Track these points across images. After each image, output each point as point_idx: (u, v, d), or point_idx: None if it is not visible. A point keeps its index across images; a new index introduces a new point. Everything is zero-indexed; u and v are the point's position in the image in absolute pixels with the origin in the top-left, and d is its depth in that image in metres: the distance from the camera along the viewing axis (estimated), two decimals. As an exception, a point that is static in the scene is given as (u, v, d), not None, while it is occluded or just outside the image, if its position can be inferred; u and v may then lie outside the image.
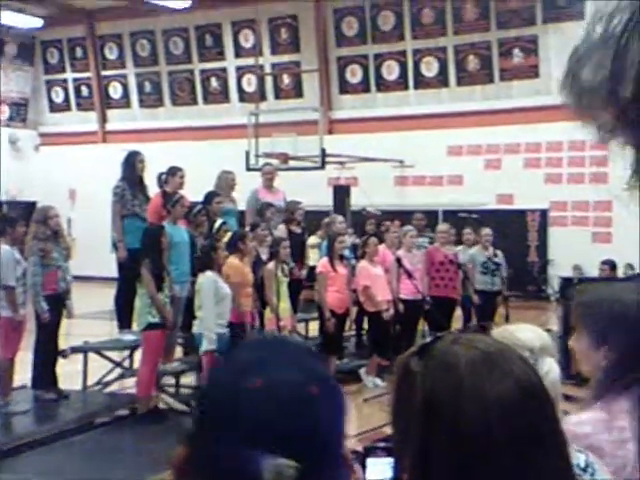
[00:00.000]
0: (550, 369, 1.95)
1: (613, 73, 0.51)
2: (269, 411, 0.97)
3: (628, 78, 0.47)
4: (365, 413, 8.34)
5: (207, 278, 7.50)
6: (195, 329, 7.61)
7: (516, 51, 17.30)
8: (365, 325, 10.36)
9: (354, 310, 9.99)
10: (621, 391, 1.93)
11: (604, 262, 11.60)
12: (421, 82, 18.33)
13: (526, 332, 2.01)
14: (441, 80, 18.13)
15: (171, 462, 1.01)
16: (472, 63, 17.80)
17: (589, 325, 2.02)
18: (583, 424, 1.93)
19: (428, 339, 1.14)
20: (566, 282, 10.29)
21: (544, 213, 16.84)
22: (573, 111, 0.54)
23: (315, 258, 10.56)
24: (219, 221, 9.08)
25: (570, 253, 15.79)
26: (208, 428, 1.00)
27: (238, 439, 0.97)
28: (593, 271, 12.63)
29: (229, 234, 8.60)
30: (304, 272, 10.18)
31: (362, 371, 9.53)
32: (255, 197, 10.20)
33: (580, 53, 0.53)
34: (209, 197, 9.30)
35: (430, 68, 18.25)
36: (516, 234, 16.10)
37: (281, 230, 9.84)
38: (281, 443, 0.95)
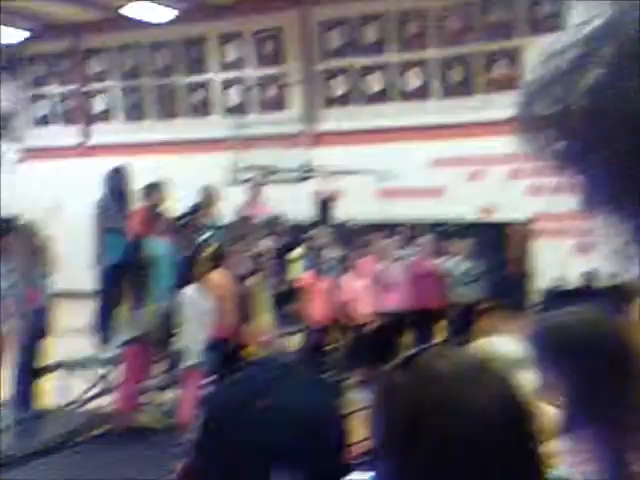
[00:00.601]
0: (527, 381, 1.96)
1: (565, 105, 0.53)
2: (278, 429, 1.00)
3: (578, 109, 0.49)
4: (347, 427, 8.34)
5: (190, 292, 7.49)
6: (177, 344, 7.59)
7: (498, 63, 17.41)
8: (348, 338, 10.37)
9: (337, 323, 9.99)
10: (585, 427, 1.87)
11: (584, 272, 11.68)
12: (405, 94, 18.40)
13: (504, 344, 2.02)
14: (425, 92, 18.21)
15: (176, 473, 1.03)
16: (455, 75, 17.89)
17: (537, 361, 1.95)
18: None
19: (411, 352, 1.14)
20: (547, 293, 10.34)
21: (526, 224, 16.91)
22: (525, 141, 0.57)
23: (298, 271, 10.57)
24: (203, 235, 9.09)
25: (551, 264, 15.86)
26: (217, 442, 1.02)
27: (247, 453, 0.99)
28: (574, 282, 12.70)
29: (211, 248, 8.60)
30: (287, 285, 10.18)
31: (344, 385, 9.52)
32: (240, 211, 10.21)
33: (533, 89, 0.55)
34: (192, 211, 9.30)
35: (414, 80, 18.33)
36: (498, 245, 16.16)
37: (265, 244, 9.85)
38: (288, 459, 0.99)
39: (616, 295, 6.08)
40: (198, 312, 7.44)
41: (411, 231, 11.89)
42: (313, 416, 1.04)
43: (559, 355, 1.91)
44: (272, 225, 10.11)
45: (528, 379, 1.96)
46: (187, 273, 7.67)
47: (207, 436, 1.04)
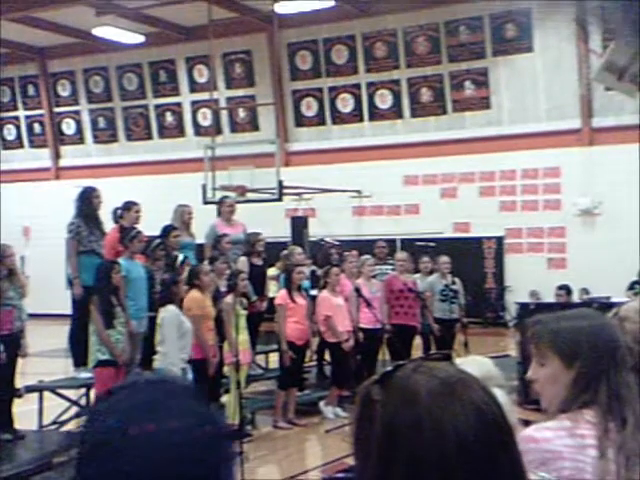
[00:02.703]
0: (503, 399, 1.97)
1: None
2: (162, 456, 0.95)
3: None
4: (327, 444, 8.29)
5: (169, 312, 7.42)
6: (157, 364, 7.49)
7: (467, 83, 17.61)
8: (326, 356, 10.33)
9: (314, 341, 9.95)
10: (587, 404, 2.00)
11: (560, 287, 11.76)
12: (376, 114, 18.53)
13: (466, 365, 2.02)
14: (395, 112, 18.35)
15: None
16: (425, 95, 18.06)
17: (561, 348, 2.09)
18: (544, 429, 1.98)
19: (389, 368, 1.13)
20: (523, 308, 10.39)
21: (500, 240, 17.05)
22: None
23: (274, 290, 10.52)
24: (181, 256, 9.01)
25: (526, 279, 15.99)
26: (96, 471, 0.97)
27: None
28: (549, 296, 12.79)
29: (186, 269, 8.54)
30: (265, 304, 10.13)
31: (321, 404, 9.49)
32: (214, 230, 10.14)
33: None
34: (166, 231, 9.22)
35: (384, 100, 18.47)
36: (473, 261, 16.26)
37: (242, 262, 9.80)
38: None
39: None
40: (178, 332, 7.37)
41: (387, 248, 11.92)
42: (191, 440, 0.98)
43: (580, 343, 2.07)
44: (250, 244, 10.06)
45: (503, 397, 1.98)
46: (167, 293, 7.60)
47: (85, 465, 1.00)
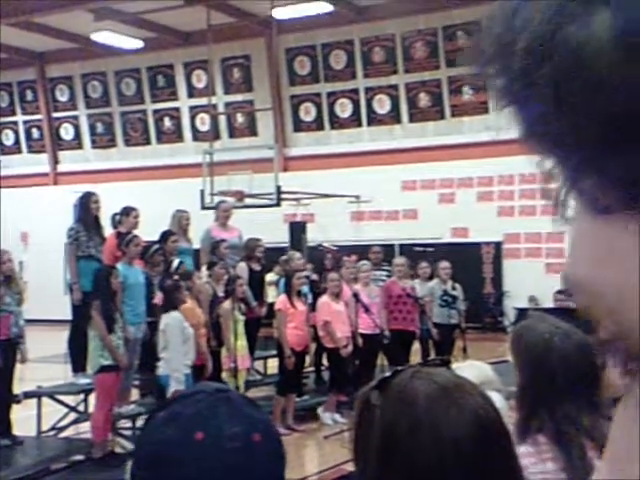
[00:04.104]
0: (500, 403, 1.97)
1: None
2: (213, 463, 0.98)
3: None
4: (326, 451, 8.27)
5: (173, 318, 7.41)
6: (161, 370, 7.47)
7: (466, 88, 17.63)
8: (324, 361, 10.31)
9: (313, 346, 9.94)
10: (539, 430, 1.96)
11: (558, 292, 11.76)
12: (374, 119, 18.55)
13: (464, 370, 2.02)
14: (393, 117, 18.37)
15: None
16: (423, 100, 18.08)
17: (514, 355, 2.05)
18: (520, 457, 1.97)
19: (388, 373, 1.14)
20: (521, 313, 10.39)
21: (498, 245, 17.05)
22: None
23: (273, 295, 10.51)
24: (176, 260, 9.01)
25: (525, 284, 15.99)
26: None
27: None
28: (548, 301, 12.79)
29: (183, 274, 8.53)
30: (264, 310, 10.12)
31: (320, 410, 9.46)
32: (209, 235, 10.12)
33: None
34: (164, 236, 9.22)
35: (382, 105, 18.49)
36: (471, 267, 16.25)
37: (241, 268, 9.79)
38: None
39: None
40: (182, 337, 7.37)
41: (382, 253, 11.91)
42: (252, 446, 1.02)
43: (523, 357, 2.02)
44: (250, 249, 10.05)
45: (501, 401, 1.98)
46: (170, 298, 7.60)
47: (142, 475, 1.02)
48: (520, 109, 0.43)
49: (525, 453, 1.94)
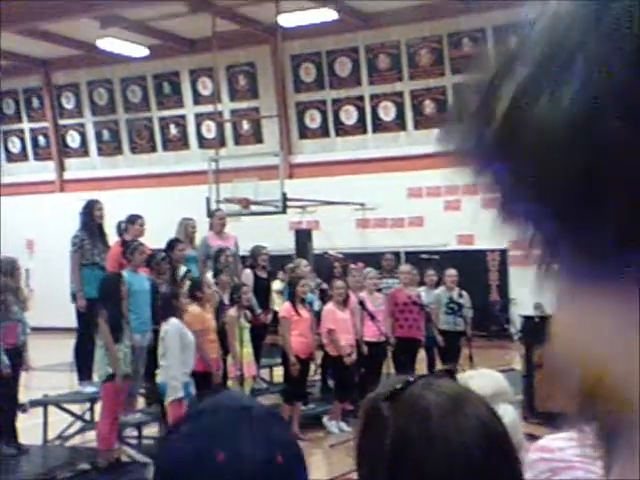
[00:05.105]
0: (505, 414, 1.94)
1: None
2: None
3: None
4: (332, 459, 8.25)
5: (172, 325, 7.40)
6: (159, 378, 7.47)
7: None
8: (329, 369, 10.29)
9: (318, 354, 9.92)
10: None
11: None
12: (379, 126, 18.55)
13: (478, 379, 1.99)
14: (399, 124, 18.37)
15: None
16: (429, 107, 18.08)
17: None
18: (558, 439, 1.95)
19: (398, 385, 1.13)
20: (528, 321, 10.34)
21: (504, 252, 17.01)
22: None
23: (279, 303, 10.50)
24: (183, 268, 9.00)
25: (531, 291, 15.92)
26: None
27: None
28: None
29: (189, 282, 8.53)
30: (269, 317, 10.11)
31: (325, 419, 9.44)
32: (205, 244, 10.10)
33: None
34: (171, 244, 9.23)
35: (388, 112, 18.49)
36: (477, 274, 16.22)
37: (247, 275, 9.77)
38: None
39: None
40: (181, 345, 7.35)
41: (391, 261, 11.89)
42: (273, 469, 1.00)
43: None
44: (255, 256, 10.04)
45: (502, 411, 1.96)
46: (168, 306, 7.59)
47: None
48: (493, 180, 0.42)
49: (565, 437, 1.94)
